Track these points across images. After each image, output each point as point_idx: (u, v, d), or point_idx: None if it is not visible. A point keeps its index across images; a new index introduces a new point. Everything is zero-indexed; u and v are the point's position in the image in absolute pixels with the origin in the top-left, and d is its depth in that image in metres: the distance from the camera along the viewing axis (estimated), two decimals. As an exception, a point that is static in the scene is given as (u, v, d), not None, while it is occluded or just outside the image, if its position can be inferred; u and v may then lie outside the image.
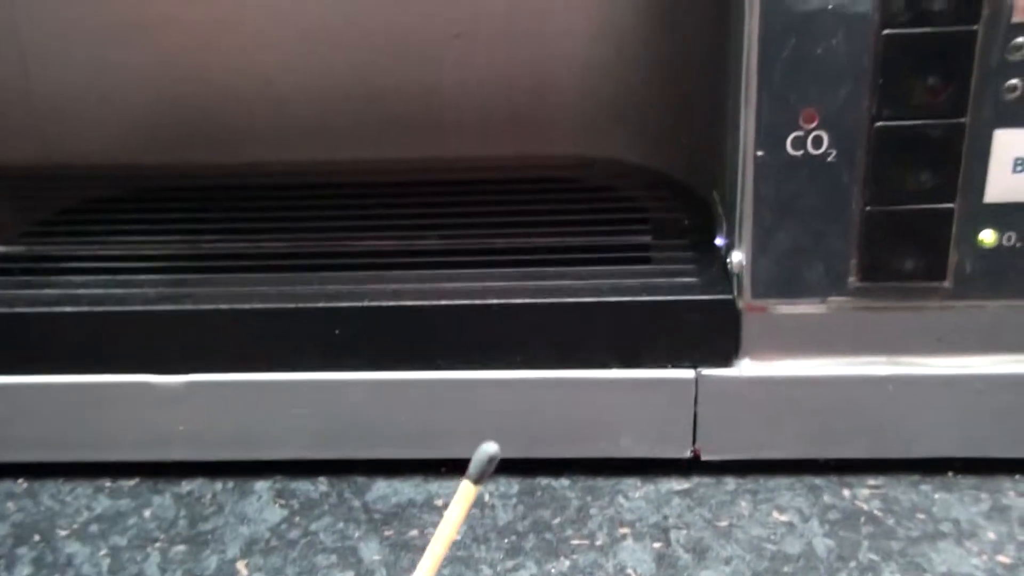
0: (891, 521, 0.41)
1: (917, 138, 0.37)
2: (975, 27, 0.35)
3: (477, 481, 0.27)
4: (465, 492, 0.27)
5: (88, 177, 0.52)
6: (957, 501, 0.42)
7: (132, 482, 0.45)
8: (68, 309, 0.43)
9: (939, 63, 0.36)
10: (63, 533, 0.43)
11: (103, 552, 0.42)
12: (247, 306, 0.43)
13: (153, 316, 0.43)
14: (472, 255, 0.45)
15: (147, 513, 0.44)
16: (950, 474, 0.43)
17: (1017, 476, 0.43)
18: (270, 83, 0.53)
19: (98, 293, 0.44)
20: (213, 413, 0.44)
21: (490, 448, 0.27)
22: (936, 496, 0.42)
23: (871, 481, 0.43)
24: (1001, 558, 0.39)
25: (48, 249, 0.47)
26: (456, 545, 0.41)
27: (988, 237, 0.38)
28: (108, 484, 0.45)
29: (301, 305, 0.43)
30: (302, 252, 0.46)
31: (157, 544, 0.42)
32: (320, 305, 0.43)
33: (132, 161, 0.53)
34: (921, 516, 0.41)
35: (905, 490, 0.43)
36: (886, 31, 0.36)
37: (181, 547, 0.42)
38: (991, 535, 0.40)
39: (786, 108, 0.37)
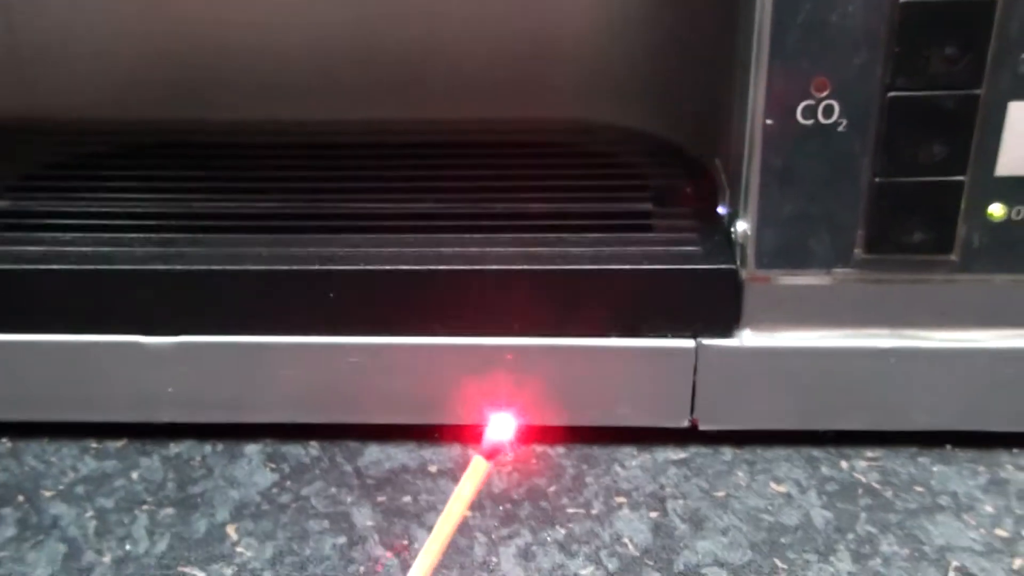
0: (889, 493, 0.41)
1: (930, 109, 0.37)
2: (994, -4, 0.35)
3: (490, 457, 0.26)
4: (476, 468, 0.26)
5: (76, 132, 0.51)
6: (955, 474, 0.42)
7: (119, 443, 0.45)
8: (55, 266, 0.42)
9: (957, 33, 0.35)
10: (48, 494, 0.42)
11: (89, 514, 0.41)
12: (240, 267, 0.42)
13: (143, 275, 0.42)
14: (470, 219, 0.44)
15: (135, 475, 0.43)
16: (949, 447, 0.43)
17: (1015, 450, 0.43)
18: (264, 39, 0.51)
19: (86, 251, 0.43)
20: (203, 375, 0.43)
21: (503, 422, 0.26)
22: (935, 469, 0.42)
23: (869, 453, 0.43)
24: (999, 532, 0.39)
25: (34, 204, 0.46)
26: (451, 512, 0.41)
27: (997, 211, 0.38)
28: (94, 445, 0.45)
29: (295, 267, 0.42)
30: (297, 213, 0.45)
31: (145, 506, 0.41)
32: (314, 267, 0.42)
33: (121, 116, 0.52)
34: (919, 489, 0.41)
35: (904, 463, 0.42)
36: (904, -2, 0.35)
37: (169, 510, 0.41)
38: (989, 508, 0.40)
39: (798, 76, 0.37)
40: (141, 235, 0.44)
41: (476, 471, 0.26)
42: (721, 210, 0.44)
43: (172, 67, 0.51)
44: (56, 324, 0.43)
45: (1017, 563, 0.38)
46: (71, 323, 0.43)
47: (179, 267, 0.42)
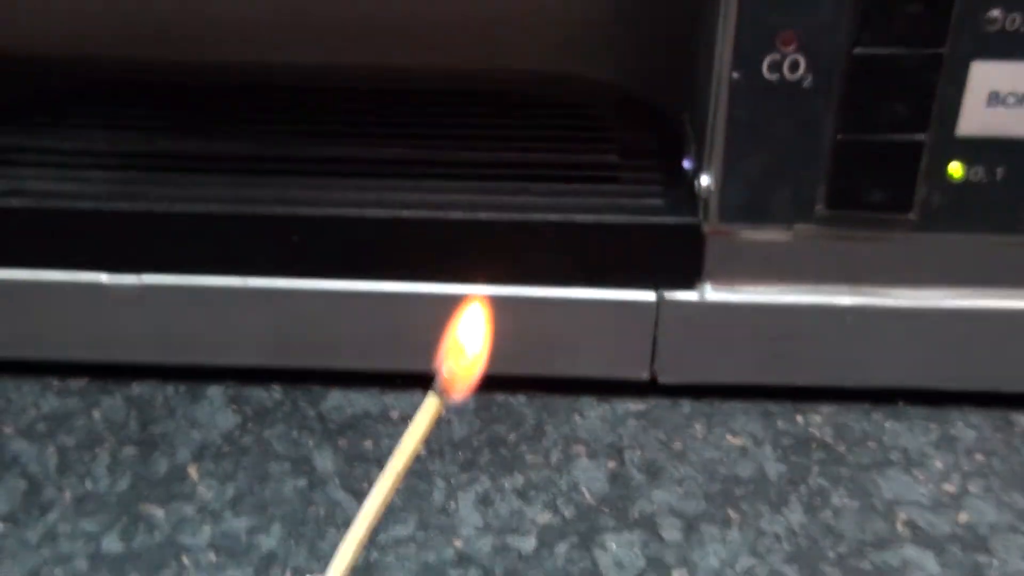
0: (842, 448, 0.42)
1: (894, 67, 0.37)
2: (960, -45, 0.35)
3: (443, 395, 0.27)
4: (428, 408, 0.27)
5: (38, 67, 0.50)
6: (907, 430, 0.43)
7: (81, 382, 0.45)
8: (17, 203, 0.41)
9: (922, -10, 0.36)
10: (8, 431, 0.42)
11: (50, 451, 0.41)
12: (204, 208, 0.42)
13: (107, 214, 0.41)
14: (435, 167, 0.44)
15: (96, 414, 0.43)
16: (901, 404, 0.44)
17: (966, 407, 0.43)
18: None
19: (49, 188, 0.42)
20: (166, 315, 0.43)
21: (457, 367, 0.27)
22: (887, 425, 0.43)
23: (824, 408, 0.44)
24: (947, 487, 0.40)
25: (-4, 140, 0.46)
26: (410, 457, 0.41)
27: (957, 170, 0.38)
28: (56, 383, 0.44)
29: (259, 210, 0.42)
30: (262, 156, 0.45)
31: (106, 445, 0.42)
32: (279, 211, 0.42)
33: (84, 53, 0.51)
34: (871, 444, 0.42)
35: (857, 418, 0.43)
36: (871, -45, 0.35)
37: (131, 449, 0.41)
38: (938, 464, 0.41)
39: (764, 30, 0.37)
40: (104, 173, 0.43)
41: (428, 409, 0.27)
42: (686, 164, 0.44)
43: (136, 4, 0.50)
44: (18, 261, 0.42)
45: (963, 517, 0.38)
46: (33, 261, 0.42)
47: (142, 207, 0.42)
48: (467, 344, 0.27)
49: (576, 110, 0.49)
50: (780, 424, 0.43)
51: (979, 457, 0.41)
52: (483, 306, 0.28)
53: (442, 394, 0.27)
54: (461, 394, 0.27)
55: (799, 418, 0.43)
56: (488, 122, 0.48)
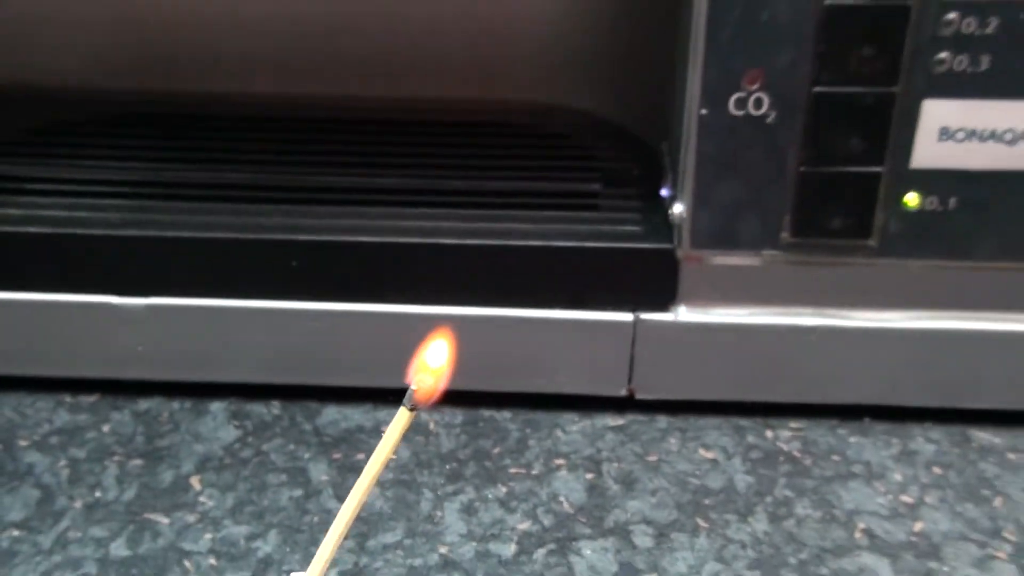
0: (808, 461, 0.44)
1: (851, 104, 0.39)
2: (909, 2, 0.37)
3: (412, 409, 0.29)
4: (400, 418, 0.29)
5: (54, 100, 0.53)
6: (870, 445, 0.45)
7: (92, 398, 0.47)
8: (34, 229, 0.44)
9: (875, 34, 0.38)
10: (24, 443, 0.44)
11: (62, 463, 0.44)
12: (208, 235, 0.44)
13: (117, 240, 0.44)
14: (427, 194, 0.47)
15: (106, 428, 0.46)
16: (866, 420, 0.46)
17: (927, 423, 0.46)
18: (235, 13, 0.53)
19: (63, 215, 0.45)
20: (172, 335, 0.46)
21: (423, 380, 0.29)
22: (851, 440, 0.45)
23: (793, 424, 0.46)
24: (904, 498, 0.42)
25: (13, 169, 0.48)
26: (400, 469, 0.43)
27: (912, 200, 0.41)
28: (68, 399, 0.47)
29: (260, 236, 0.44)
30: (263, 184, 0.47)
31: (115, 457, 0.44)
32: (279, 237, 0.44)
33: (98, 85, 0.53)
34: (836, 458, 0.44)
35: (824, 433, 0.45)
36: (828, 1, 0.38)
37: (138, 461, 0.44)
38: (898, 477, 0.43)
39: (731, 69, 0.39)
40: (116, 201, 0.46)
41: (399, 421, 0.29)
42: (663, 192, 0.46)
43: (148, 39, 0.53)
44: (34, 284, 0.45)
45: (918, 526, 0.41)
46: (48, 283, 0.45)
47: (151, 233, 0.44)
48: (431, 361, 0.30)
49: (564, 140, 0.52)
50: (750, 439, 0.45)
51: (937, 470, 0.43)
52: (446, 329, 0.30)
53: (412, 407, 0.29)
54: (428, 404, 0.29)
55: (769, 433, 0.45)
56: (479, 152, 0.50)
